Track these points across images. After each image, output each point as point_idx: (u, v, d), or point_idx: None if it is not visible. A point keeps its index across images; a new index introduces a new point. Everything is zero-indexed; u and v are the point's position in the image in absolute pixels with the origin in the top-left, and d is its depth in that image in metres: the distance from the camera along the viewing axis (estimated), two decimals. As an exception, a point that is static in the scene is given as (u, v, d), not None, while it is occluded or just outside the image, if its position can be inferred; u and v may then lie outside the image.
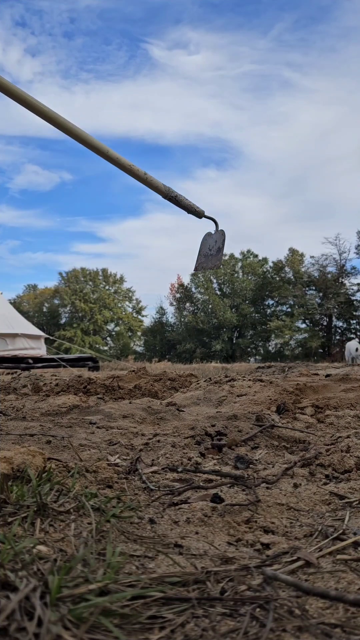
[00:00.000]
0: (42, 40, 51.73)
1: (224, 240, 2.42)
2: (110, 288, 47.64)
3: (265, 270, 41.62)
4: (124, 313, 47.43)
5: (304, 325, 38.44)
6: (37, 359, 11.93)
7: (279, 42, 50.16)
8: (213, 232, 2.48)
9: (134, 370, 5.66)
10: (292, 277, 39.29)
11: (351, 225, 64.69)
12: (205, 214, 2.39)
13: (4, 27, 48.93)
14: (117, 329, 46.93)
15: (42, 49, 52.20)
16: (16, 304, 39.11)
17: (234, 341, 40.83)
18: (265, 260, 42.17)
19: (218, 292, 42.38)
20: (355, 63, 52.50)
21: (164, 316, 45.04)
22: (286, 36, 50.46)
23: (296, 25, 49.86)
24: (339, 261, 37.14)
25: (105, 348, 44.08)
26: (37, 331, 15.16)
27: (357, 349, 17.82)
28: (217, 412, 3.03)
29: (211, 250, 2.46)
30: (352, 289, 36.85)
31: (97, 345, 42.53)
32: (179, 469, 1.56)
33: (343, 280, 37.21)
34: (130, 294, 48.54)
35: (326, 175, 56.31)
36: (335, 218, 57.01)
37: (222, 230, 2.44)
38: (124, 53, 54.24)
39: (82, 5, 50.16)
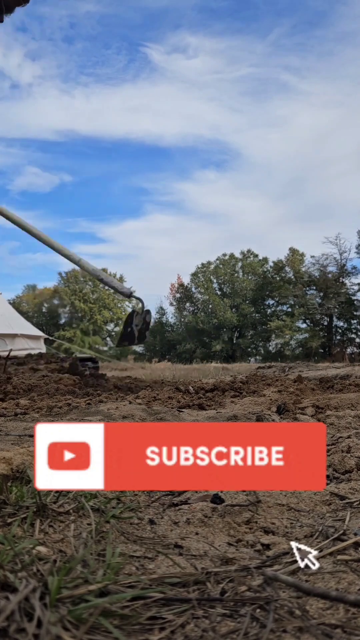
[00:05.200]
0: (42, 44, 51.93)
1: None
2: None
3: (265, 270, 41.59)
4: (123, 313, 47.40)
5: (304, 325, 38.43)
6: (37, 359, 11.90)
7: (277, 46, 50.33)
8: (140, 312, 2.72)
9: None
10: (292, 277, 39.25)
11: (351, 225, 64.72)
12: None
13: (4, 32, 48.94)
14: (117, 329, 46.91)
15: (43, 53, 52.41)
16: (16, 304, 39.08)
17: (234, 341, 40.81)
18: (265, 260, 42.16)
19: (218, 292, 42.36)
20: (352, 66, 52.75)
21: (164, 316, 45.08)
22: (284, 40, 50.66)
23: (294, 30, 50.06)
24: (339, 261, 37.13)
25: (105, 348, 44.04)
26: (36, 331, 15.16)
27: None
28: (217, 412, 3.02)
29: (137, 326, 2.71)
30: (353, 289, 36.83)
31: (97, 346, 42.50)
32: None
33: (344, 279, 37.18)
34: (130, 294, 48.54)
35: (325, 176, 56.39)
36: (335, 218, 57.14)
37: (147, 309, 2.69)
38: (124, 57, 54.44)
39: (82, 11, 50.37)
